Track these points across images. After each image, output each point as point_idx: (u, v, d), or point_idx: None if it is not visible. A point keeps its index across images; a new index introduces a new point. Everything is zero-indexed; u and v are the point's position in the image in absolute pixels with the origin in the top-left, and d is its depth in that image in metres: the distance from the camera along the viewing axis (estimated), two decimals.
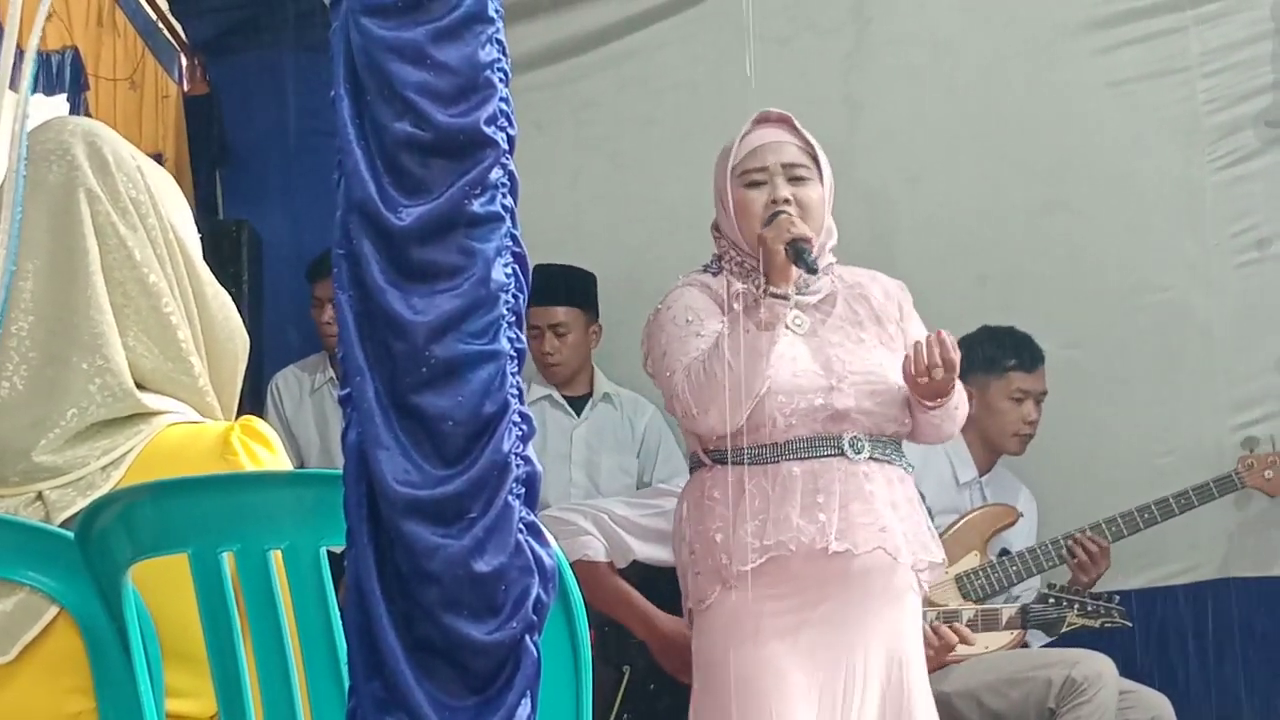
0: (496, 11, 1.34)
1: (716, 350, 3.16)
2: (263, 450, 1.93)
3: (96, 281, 1.95)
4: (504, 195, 1.35)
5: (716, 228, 3.41)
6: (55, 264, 1.96)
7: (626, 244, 5.01)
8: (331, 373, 4.89)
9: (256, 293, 4.98)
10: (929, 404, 3.27)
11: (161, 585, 1.88)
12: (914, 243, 5.12)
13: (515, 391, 1.34)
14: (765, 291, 3.16)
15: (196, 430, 1.96)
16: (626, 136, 5.22)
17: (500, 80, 1.34)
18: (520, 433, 1.34)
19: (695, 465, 3.36)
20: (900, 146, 5.13)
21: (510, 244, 1.35)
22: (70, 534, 1.89)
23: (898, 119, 5.12)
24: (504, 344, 1.33)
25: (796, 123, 3.41)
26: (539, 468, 1.36)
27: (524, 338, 1.37)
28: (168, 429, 1.95)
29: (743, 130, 3.39)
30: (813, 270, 3.17)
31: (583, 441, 4.79)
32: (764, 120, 3.41)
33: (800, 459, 3.20)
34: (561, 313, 4.73)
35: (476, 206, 1.33)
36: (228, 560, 1.81)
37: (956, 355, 3.22)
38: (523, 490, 1.34)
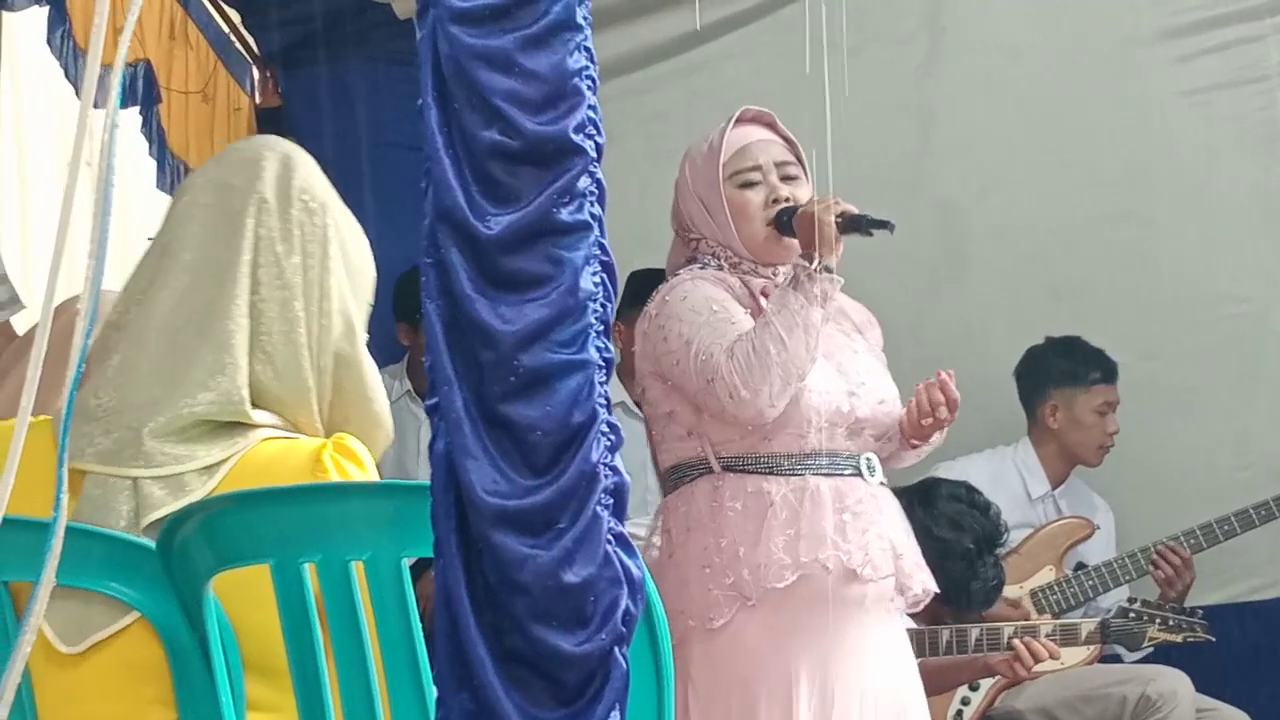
0: (585, 19, 1.34)
1: (768, 328, 3.03)
2: (354, 468, 1.94)
3: (243, 286, 1.99)
4: (592, 203, 1.35)
5: (687, 230, 3.29)
6: (208, 258, 2.01)
7: None
8: (409, 385, 4.90)
9: None
10: (916, 442, 3.23)
11: (243, 596, 1.89)
12: (986, 254, 5.09)
13: (603, 401, 1.34)
14: (819, 265, 3.10)
15: (289, 446, 1.97)
16: None
17: (588, 88, 1.34)
18: (608, 443, 1.34)
19: (694, 472, 3.16)
20: (972, 157, 5.09)
21: (598, 252, 1.35)
22: (152, 544, 1.90)
23: (969, 129, 5.09)
24: (592, 353, 1.33)
25: (777, 120, 3.35)
26: (627, 478, 1.36)
27: (611, 346, 1.36)
28: (262, 443, 1.97)
29: (723, 129, 3.27)
30: (889, 228, 3.10)
31: None
32: (744, 120, 3.34)
33: (825, 475, 3.09)
34: None
35: (565, 215, 1.33)
36: (309, 571, 1.81)
37: (957, 395, 3.17)
38: (611, 501, 1.34)
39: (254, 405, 1.98)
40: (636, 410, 4.77)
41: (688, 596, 3.09)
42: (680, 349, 3.11)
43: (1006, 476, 4.62)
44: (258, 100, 5.33)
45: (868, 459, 3.15)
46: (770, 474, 3.09)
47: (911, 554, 3.15)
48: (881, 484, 3.17)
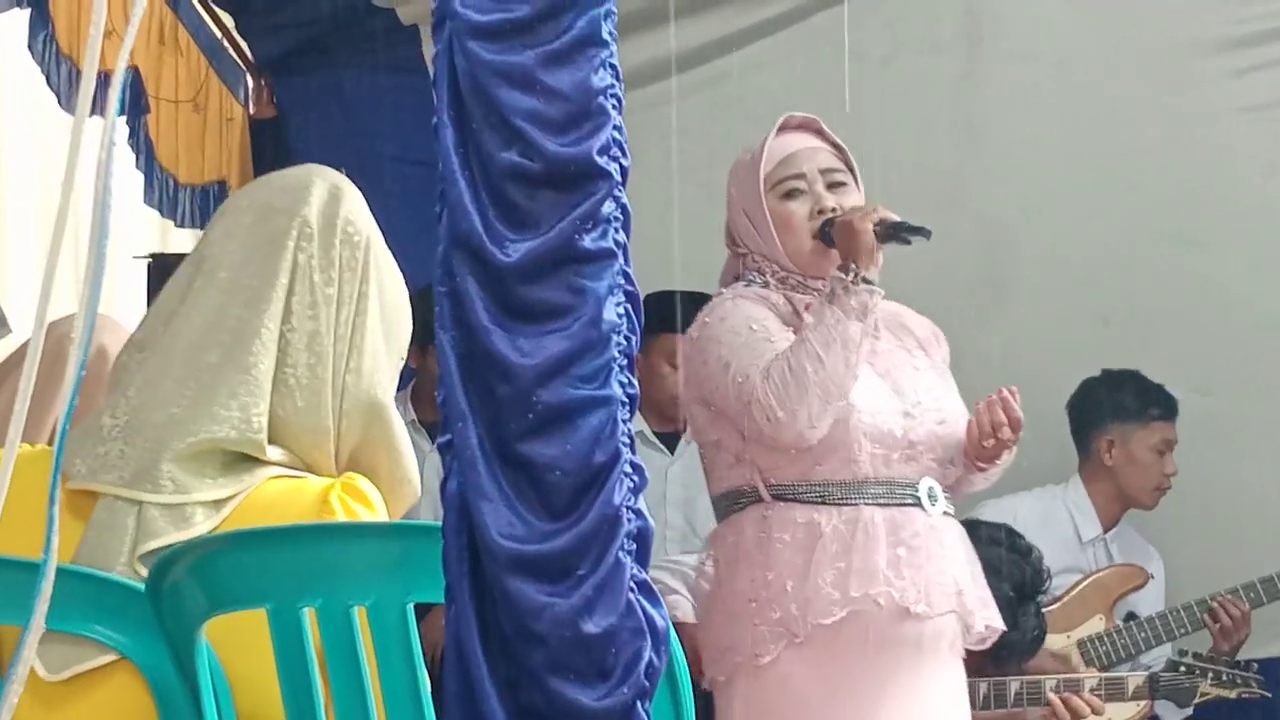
0: (610, 34, 1.36)
1: (803, 345, 3.08)
2: (362, 509, 1.97)
3: (274, 312, 2.04)
4: (616, 230, 1.36)
5: (736, 243, 3.36)
6: (242, 279, 2.06)
7: (719, 279, 5.02)
8: (414, 414, 4.91)
9: None
10: (983, 465, 3.24)
11: (237, 643, 1.91)
12: (1031, 279, 5.10)
13: (627, 440, 1.35)
14: (857, 277, 3.12)
15: (296, 485, 2.00)
16: (721, 165, 5.21)
17: (614, 107, 1.36)
18: (632, 484, 1.35)
19: (743, 501, 3.19)
20: (1016, 175, 5.10)
21: (622, 282, 1.36)
22: (141, 586, 1.91)
23: (1013, 145, 5.10)
24: (615, 389, 1.35)
25: (824, 126, 3.38)
26: (651, 522, 1.37)
27: (636, 381, 1.38)
28: (268, 481, 1.99)
29: (765, 138, 3.33)
30: (925, 235, 3.13)
31: (678, 481, 4.78)
32: (788, 127, 3.36)
33: (880, 504, 3.12)
34: None
35: (588, 242, 1.34)
36: (309, 616, 1.82)
37: (1021, 414, 3.19)
38: (634, 546, 1.35)
39: (270, 440, 2.00)
40: (655, 440, 4.80)
41: (735, 632, 3.13)
42: (719, 372, 3.16)
43: (1056, 517, 4.62)
44: (252, 110, 5.36)
45: (929, 487, 3.16)
46: (821, 503, 3.11)
47: (975, 589, 3.16)
48: (945, 513, 3.18)
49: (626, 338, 1.36)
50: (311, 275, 2.05)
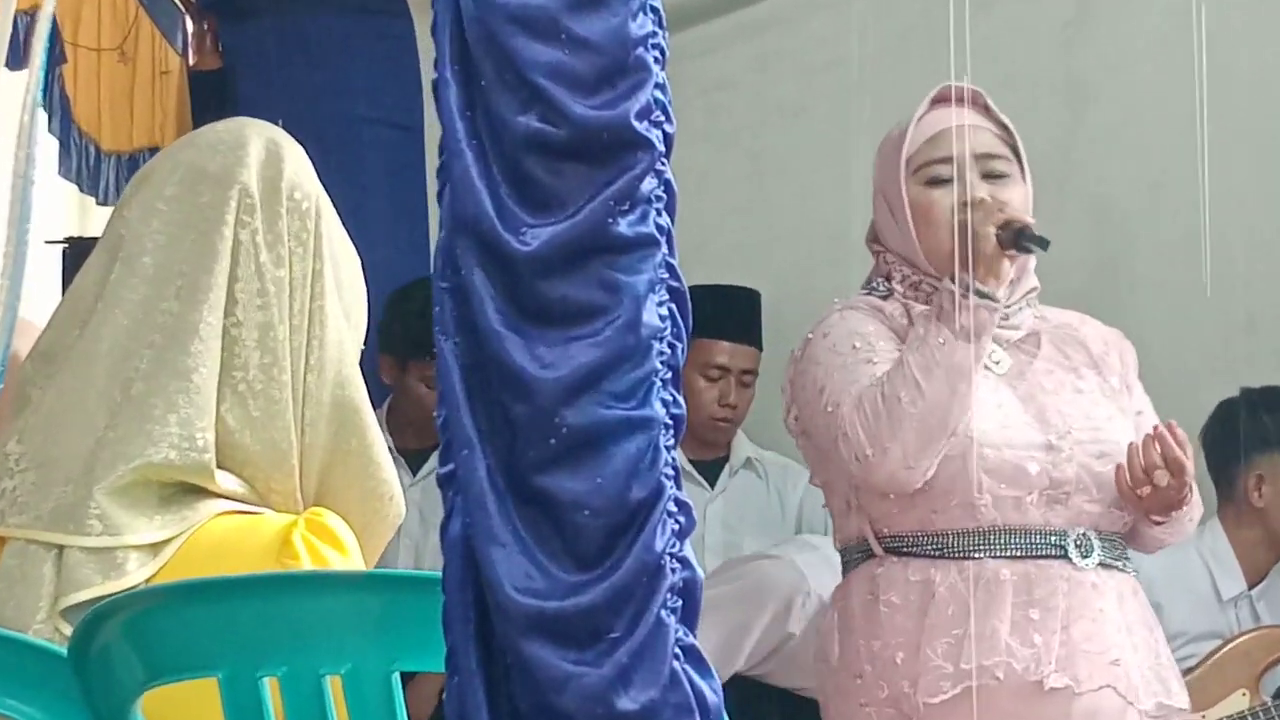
0: None
1: (900, 370, 3.13)
2: (333, 553, 1.97)
3: (215, 303, 2.05)
4: (658, 212, 1.37)
5: (876, 239, 3.41)
6: (171, 264, 2.06)
7: (770, 267, 5.03)
8: (391, 441, 4.92)
9: None
10: (1158, 518, 3.24)
11: (181, 719, 1.91)
12: (1155, 272, 5.10)
13: (670, 472, 1.35)
14: (969, 290, 3.14)
15: (250, 523, 2.00)
16: (770, 128, 5.24)
17: (655, 61, 1.36)
18: (676, 526, 1.35)
19: (857, 556, 3.28)
20: (1138, 143, 5.10)
21: (666, 276, 1.36)
22: (62, 649, 1.92)
23: (1135, 107, 5.10)
24: (656, 409, 1.35)
25: (989, 101, 3.38)
26: (699, 572, 1.37)
27: (682, 399, 1.38)
28: (215, 519, 1.99)
29: (917, 111, 3.36)
30: (1044, 247, 3.15)
31: (719, 519, 4.79)
32: (946, 99, 3.36)
33: (1011, 558, 3.15)
34: (756, 356, 4.75)
35: (623, 227, 1.34)
36: (270, 687, 1.83)
37: (1188, 451, 3.18)
38: (679, 602, 1.35)
39: (218, 463, 2.00)
40: (693, 471, 4.81)
41: (844, 712, 3.21)
42: (814, 399, 3.24)
43: (1189, 571, 4.61)
44: (192, 60, 5.36)
45: (1080, 536, 3.17)
46: (939, 557, 3.15)
47: (1142, 658, 3.17)
48: (1103, 566, 3.18)
49: (670, 345, 1.36)
50: (257, 256, 2.06)
